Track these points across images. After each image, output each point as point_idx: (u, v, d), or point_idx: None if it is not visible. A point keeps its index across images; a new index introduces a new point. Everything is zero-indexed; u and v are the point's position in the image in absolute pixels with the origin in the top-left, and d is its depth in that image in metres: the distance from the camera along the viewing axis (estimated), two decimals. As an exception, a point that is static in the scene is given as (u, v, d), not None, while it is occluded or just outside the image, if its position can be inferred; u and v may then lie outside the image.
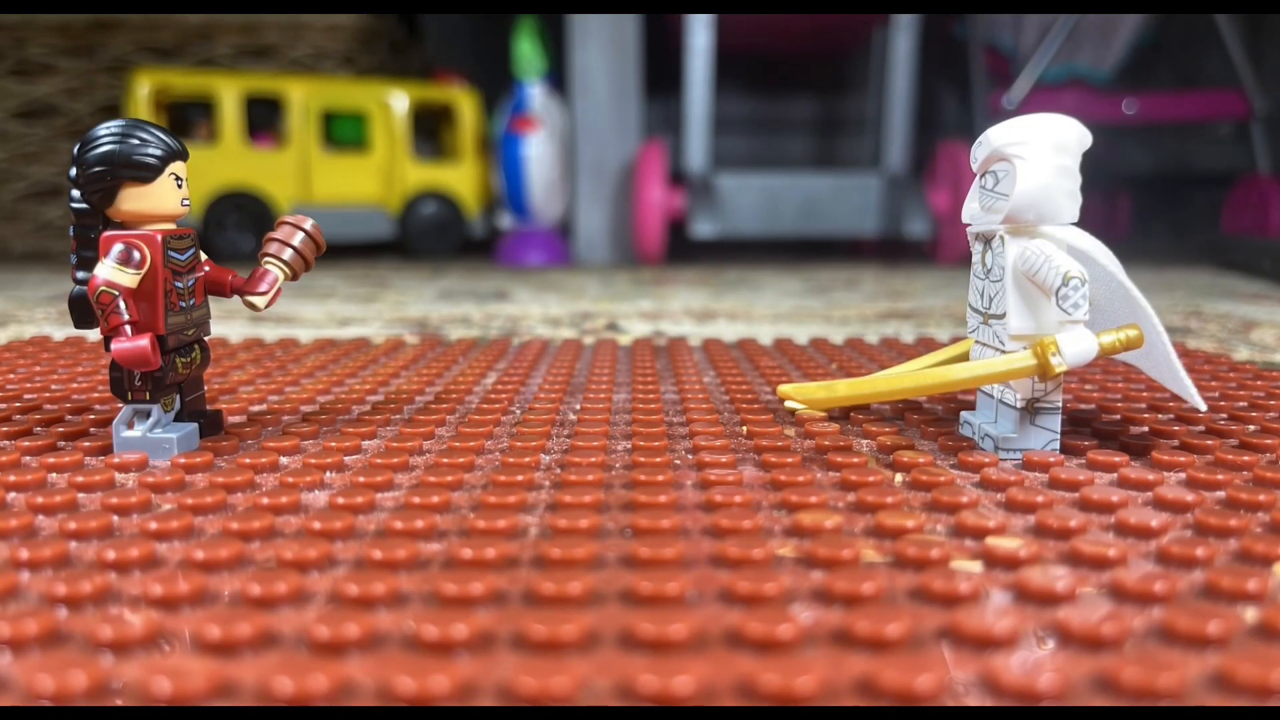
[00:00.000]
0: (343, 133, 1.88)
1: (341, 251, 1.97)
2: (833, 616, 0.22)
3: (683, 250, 1.90)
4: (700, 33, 1.68)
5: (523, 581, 0.24)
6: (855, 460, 0.34)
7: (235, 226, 1.78)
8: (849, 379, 0.32)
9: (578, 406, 0.46)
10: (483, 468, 0.35)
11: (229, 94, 1.77)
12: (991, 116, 1.74)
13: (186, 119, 1.85)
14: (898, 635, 0.21)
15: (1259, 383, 0.51)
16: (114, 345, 0.34)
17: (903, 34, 1.72)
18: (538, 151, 1.75)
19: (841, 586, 0.23)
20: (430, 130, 2.00)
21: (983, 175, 0.37)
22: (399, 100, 1.85)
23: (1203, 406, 0.36)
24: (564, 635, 0.21)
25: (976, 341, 0.39)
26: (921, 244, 1.78)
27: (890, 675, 0.19)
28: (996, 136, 0.35)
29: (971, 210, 0.38)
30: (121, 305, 0.34)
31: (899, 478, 0.33)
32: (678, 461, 0.35)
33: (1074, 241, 0.35)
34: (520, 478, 0.32)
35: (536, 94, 1.77)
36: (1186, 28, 1.95)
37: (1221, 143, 1.81)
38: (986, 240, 0.37)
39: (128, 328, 0.34)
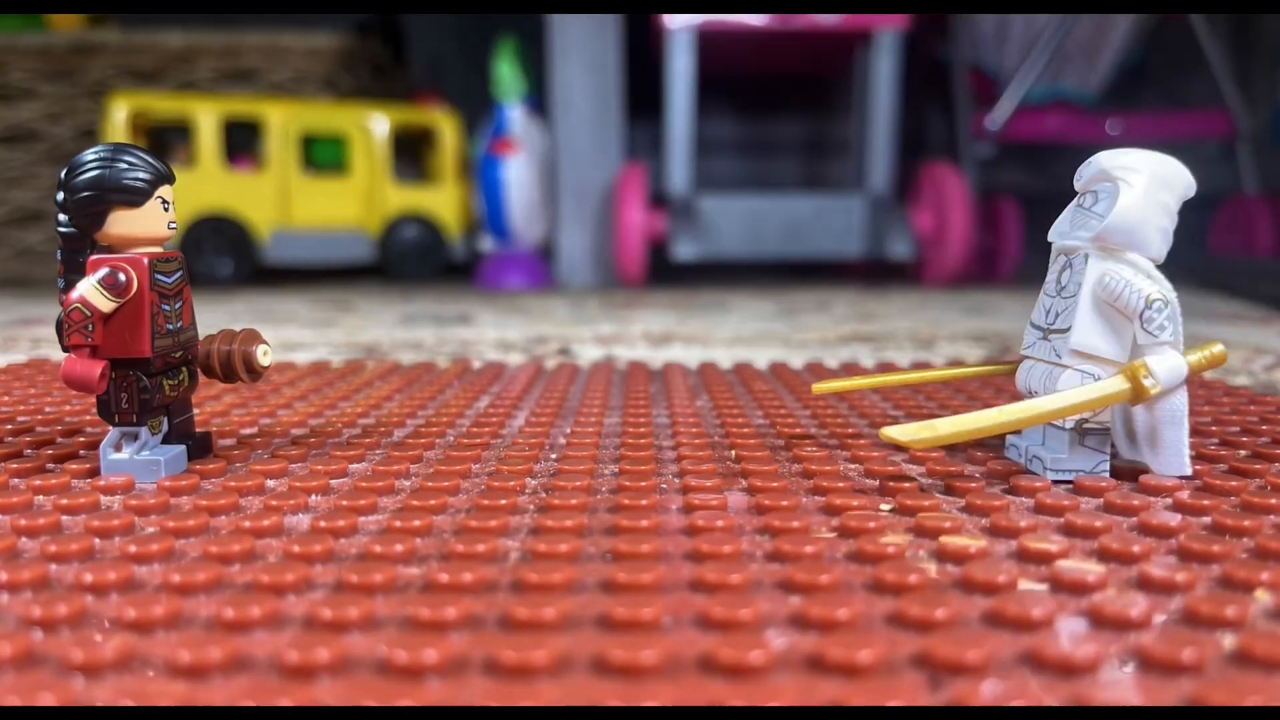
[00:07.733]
0: (322, 156, 1.87)
1: (320, 275, 1.97)
2: (807, 642, 0.22)
3: (668, 273, 1.88)
4: (681, 55, 1.68)
5: (499, 606, 0.24)
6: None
7: (213, 251, 1.77)
8: (951, 418, 0.33)
9: (568, 430, 0.46)
10: (468, 491, 0.35)
11: (207, 117, 1.76)
12: (976, 138, 1.74)
13: (165, 143, 1.84)
14: (869, 661, 0.20)
15: (1252, 407, 0.50)
16: (65, 363, 0.34)
17: (885, 55, 1.71)
18: (517, 174, 1.74)
19: (816, 611, 0.23)
20: (411, 153, 1.99)
21: (1083, 195, 0.37)
22: (379, 123, 1.84)
23: (1187, 471, 0.36)
24: (534, 660, 0.20)
25: (1028, 358, 0.38)
26: (906, 266, 1.78)
27: (860, 700, 0.19)
28: (1106, 158, 0.36)
29: (1060, 228, 0.38)
30: (89, 328, 0.34)
31: (885, 507, 0.33)
32: (664, 486, 0.35)
33: (1152, 273, 0.35)
34: (504, 501, 0.32)
35: (517, 116, 1.76)
36: (1172, 49, 1.95)
37: (1207, 163, 1.81)
38: (1069, 258, 0.37)
39: (86, 351, 0.34)
